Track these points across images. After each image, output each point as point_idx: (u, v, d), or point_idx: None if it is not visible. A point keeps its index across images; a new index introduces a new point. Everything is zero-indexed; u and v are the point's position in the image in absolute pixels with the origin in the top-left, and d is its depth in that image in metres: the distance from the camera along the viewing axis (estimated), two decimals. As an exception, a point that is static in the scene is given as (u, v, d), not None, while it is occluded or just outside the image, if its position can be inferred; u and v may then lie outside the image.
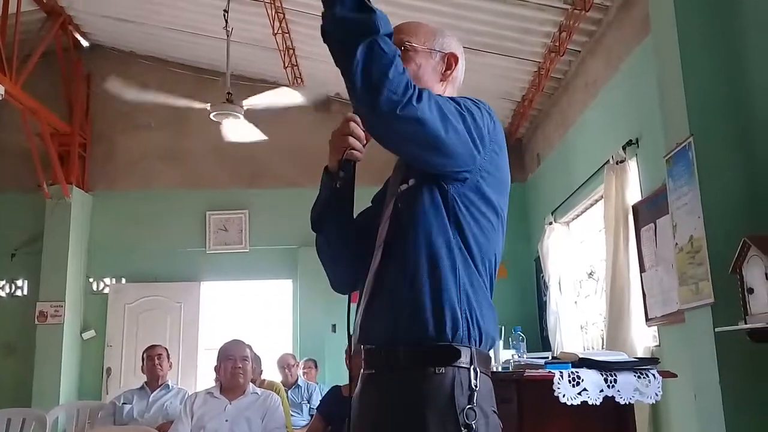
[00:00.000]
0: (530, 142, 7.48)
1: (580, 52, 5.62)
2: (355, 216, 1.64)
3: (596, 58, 5.37)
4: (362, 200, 1.66)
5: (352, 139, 1.48)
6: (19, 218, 7.43)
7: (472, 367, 1.34)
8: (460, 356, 1.34)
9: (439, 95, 1.38)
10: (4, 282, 7.43)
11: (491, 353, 1.45)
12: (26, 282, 7.38)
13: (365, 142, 1.50)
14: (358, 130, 1.48)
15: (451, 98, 1.43)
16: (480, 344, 1.38)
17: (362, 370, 1.48)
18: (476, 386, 1.33)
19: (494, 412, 1.38)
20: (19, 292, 7.41)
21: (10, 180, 7.41)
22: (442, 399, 1.31)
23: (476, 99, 1.49)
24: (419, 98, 1.28)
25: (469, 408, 1.30)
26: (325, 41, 1.32)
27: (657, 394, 2.45)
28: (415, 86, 1.29)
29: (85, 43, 7.67)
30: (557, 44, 5.44)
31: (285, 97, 5.96)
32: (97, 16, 7.27)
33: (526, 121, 7.20)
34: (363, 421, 1.42)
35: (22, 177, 7.32)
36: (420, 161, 1.41)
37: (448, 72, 1.59)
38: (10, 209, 7.43)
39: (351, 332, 1.49)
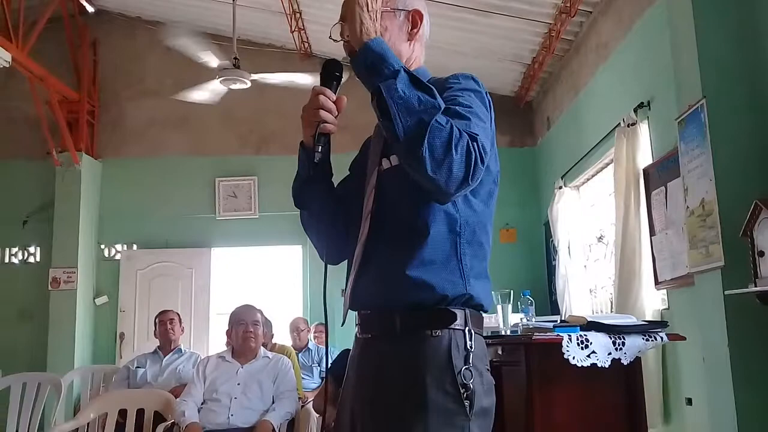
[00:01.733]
0: (540, 105, 7.41)
1: (591, 12, 5.52)
2: (335, 186, 1.63)
3: (608, 19, 5.28)
4: (340, 167, 1.64)
5: (323, 113, 1.45)
6: (30, 186, 7.46)
7: (467, 328, 1.37)
8: (455, 319, 1.36)
9: (474, 119, 1.34)
10: (16, 249, 7.49)
11: (483, 314, 1.47)
12: (38, 249, 7.45)
13: (337, 113, 1.47)
14: (329, 102, 1.45)
15: (462, 91, 1.41)
16: (475, 307, 1.41)
17: (357, 334, 1.50)
18: (471, 347, 1.36)
19: (488, 369, 1.41)
20: (31, 259, 7.47)
21: (20, 148, 7.42)
22: (440, 361, 1.34)
23: (470, 77, 1.49)
24: (481, 171, 1.29)
25: (465, 368, 1.34)
26: (380, 117, 1.33)
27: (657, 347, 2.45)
28: (479, 159, 1.28)
29: (90, 9, 7.60)
30: (568, 5, 5.35)
31: (299, 79, 5.94)
32: (102, -20, 7.21)
33: (536, 84, 7.12)
34: (362, 384, 1.44)
35: (32, 145, 7.33)
36: None
37: (415, 30, 1.55)
38: (20, 177, 7.47)
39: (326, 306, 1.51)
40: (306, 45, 7.34)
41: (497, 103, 6.51)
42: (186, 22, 7.41)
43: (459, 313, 1.37)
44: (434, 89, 1.30)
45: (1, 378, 4.69)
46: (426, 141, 1.22)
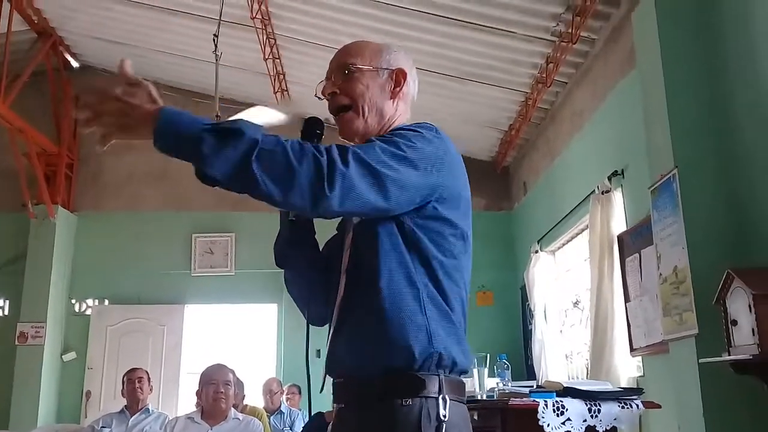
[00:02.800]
0: (517, 170, 7.54)
1: (567, 83, 5.70)
2: (322, 246, 1.61)
3: (583, 89, 5.44)
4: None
5: None
6: (3, 237, 7.36)
7: (441, 396, 1.31)
8: (426, 386, 1.31)
9: (379, 143, 1.32)
10: (-16, 301, 7.33)
11: (463, 379, 1.42)
12: (7, 302, 7.28)
13: None
14: None
15: (395, 134, 1.38)
16: (450, 372, 1.36)
17: (334, 404, 1.46)
18: (444, 416, 1.30)
19: None
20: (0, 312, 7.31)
21: (-5, 198, 7.36)
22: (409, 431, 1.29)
23: (422, 124, 1.46)
24: (343, 176, 1.22)
25: None
26: (215, 185, 1.23)
27: (635, 421, 2.45)
28: (330, 162, 1.22)
29: (75, 64, 7.68)
30: (544, 75, 5.51)
31: (265, 115, 5.97)
32: (87, 37, 7.29)
33: (513, 150, 7.26)
34: None
35: (7, 196, 7.27)
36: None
37: (398, 89, 1.55)
38: (-7, 228, 7.37)
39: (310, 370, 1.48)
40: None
41: (475, 167, 6.59)
42: (168, 80, 7.50)
43: (430, 379, 1.31)
44: (239, 124, 1.23)
45: (-40, 436, 4.52)
46: (256, 170, 1.18)
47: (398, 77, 1.56)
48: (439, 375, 1.33)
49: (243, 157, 1.18)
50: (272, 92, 6.99)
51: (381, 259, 1.36)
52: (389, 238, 1.37)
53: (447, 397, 1.32)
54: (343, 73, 1.51)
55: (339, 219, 1.56)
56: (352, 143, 1.43)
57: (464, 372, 1.41)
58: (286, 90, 7.05)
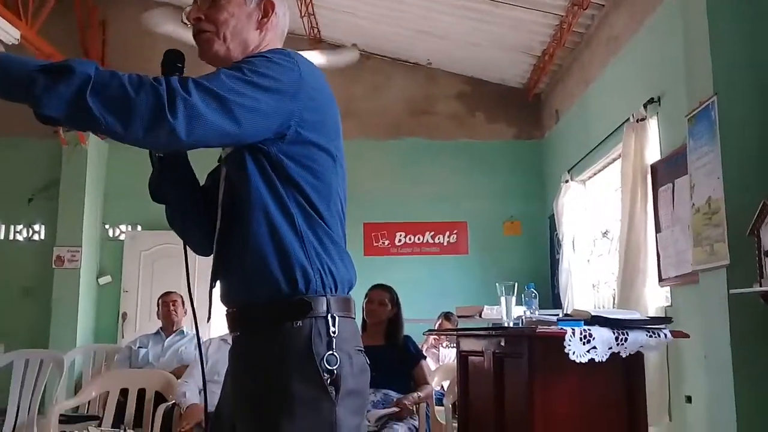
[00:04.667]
0: (549, 98, 7.38)
1: (603, 5, 5.48)
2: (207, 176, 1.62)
3: (620, 12, 5.24)
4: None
5: None
6: (37, 164, 7.46)
7: (329, 314, 1.36)
8: (313, 307, 1.36)
9: (223, 70, 1.30)
10: (21, 226, 7.50)
11: (350, 295, 1.46)
12: (43, 227, 7.45)
13: None
14: None
15: (243, 61, 1.36)
16: (336, 290, 1.40)
17: (229, 333, 1.50)
18: (334, 332, 1.36)
19: (359, 351, 1.43)
20: (36, 237, 7.48)
21: (27, 125, 7.24)
22: (302, 351, 1.34)
23: (274, 49, 1.44)
24: (185, 101, 1.20)
25: (329, 354, 1.34)
26: (57, 125, 1.24)
27: (660, 351, 2.46)
28: (170, 89, 1.20)
29: (101, -11, 7.58)
30: (581, -3, 5.31)
31: (334, 60, 5.91)
32: (112, -41, 7.17)
33: (546, 77, 7.08)
34: (235, 380, 1.46)
35: (39, 123, 7.32)
36: (229, 146, 1.39)
37: (265, 19, 1.52)
38: (26, 154, 7.46)
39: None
40: (315, 30, 7.30)
41: (505, 94, 6.47)
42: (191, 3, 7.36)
43: (317, 300, 1.36)
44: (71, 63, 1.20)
45: (4, 354, 4.71)
46: (92, 105, 1.16)
47: (266, 8, 1.53)
48: (326, 295, 1.37)
49: (77, 92, 1.16)
50: (299, 16, 6.86)
51: (252, 190, 1.37)
52: (258, 169, 1.37)
53: (335, 314, 1.37)
54: (210, 0, 1.49)
55: (220, 150, 1.53)
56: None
57: (351, 287, 1.46)
58: (313, 14, 6.91)
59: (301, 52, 1.49)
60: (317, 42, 7.46)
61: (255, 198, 1.37)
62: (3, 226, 7.49)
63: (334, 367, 1.34)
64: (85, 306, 7.18)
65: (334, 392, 1.33)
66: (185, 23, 1.45)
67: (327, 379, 1.33)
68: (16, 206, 7.40)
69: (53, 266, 7.08)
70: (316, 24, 7.17)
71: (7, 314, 7.07)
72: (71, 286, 7.04)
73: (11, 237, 7.49)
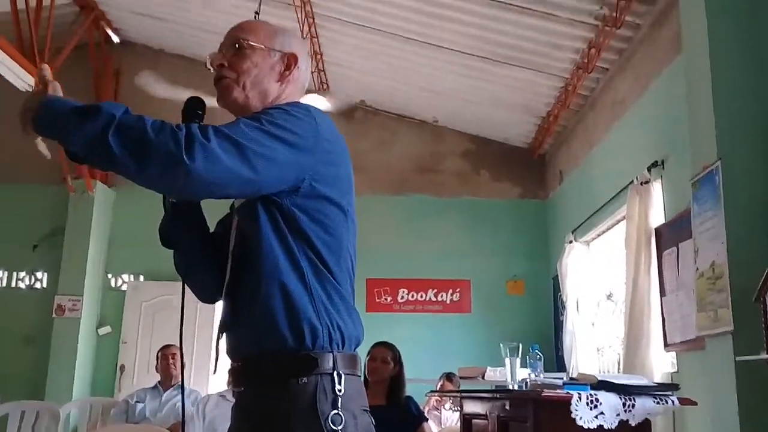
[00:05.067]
0: (553, 158, 7.44)
1: (608, 69, 5.58)
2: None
3: (625, 76, 5.33)
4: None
5: None
6: (42, 210, 7.49)
7: (336, 372, 1.35)
8: (319, 364, 1.34)
9: (243, 119, 1.33)
10: (24, 273, 7.49)
11: (357, 352, 1.45)
12: (46, 275, 7.44)
13: None
14: None
15: (262, 112, 1.38)
16: (343, 347, 1.38)
17: (232, 388, 1.50)
18: (340, 390, 1.34)
19: (365, 410, 1.40)
20: (38, 285, 7.46)
21: (35, 172, 7.42)
22: (306, 408, 1.32)
23: (294, 103, 1.47)
24: (203, 146, 1.22)
25: (334, 413, 1.32)
26: (83, 163, 1.31)
27: (667, 417, 2.41)
28: (189, 134, 1.22)
29: (116, 39, 7.74)
30: (586, 61, 5.41)
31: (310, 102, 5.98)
32: (128, 12, 7.35)
33: (550, 138, 7.16)
34: None
35: (47, 169, 7.37)
36: (246, 197, 1.39)
37: (287, 72, 1.55)
38: (33, 201, 7.50)
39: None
40: (324, 86, 7.43)
41: (510, 153, 6.51)
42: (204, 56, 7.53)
43: (324, 356, 1.35)
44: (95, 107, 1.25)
45: (1, 405, 4.64)
46: (112, 144, 1.20)
47: (289, 61, 1.56)
48: (332, 351, 1.36)
49: (100, 131, 1.21)
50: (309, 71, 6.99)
51: (263, 241, 1.37)
52: (270, 220, 1.37)
53: (341, 372, 1.36)
54: (234, 48, 1.52)
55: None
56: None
57: (358, 343, 1.44)
58: (323, 70, 7.04)
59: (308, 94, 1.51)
60: (326, 98, 7.60)
61: (266, 250, 1.37)
62: (6, 273, 7.48)
63: (339, 427, 1.31)
64: (84, 356, 7.10)
65: None
66: (208, 68, 1.47)
67: None
68: (21, 253, 7.40)
69: (54, 315, 7.04)
70: (326, 80, 7.30)
71: (7, 362, 6.99)
72: (71, 335, 6.98)
73: (13, 284, 7.47)
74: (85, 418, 5.27)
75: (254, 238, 1.39)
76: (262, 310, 1.36)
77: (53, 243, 7.34)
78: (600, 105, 5.92)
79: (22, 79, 5.66)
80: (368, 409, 1.42)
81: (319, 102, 5.98)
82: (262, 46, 1.53)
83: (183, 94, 1.53)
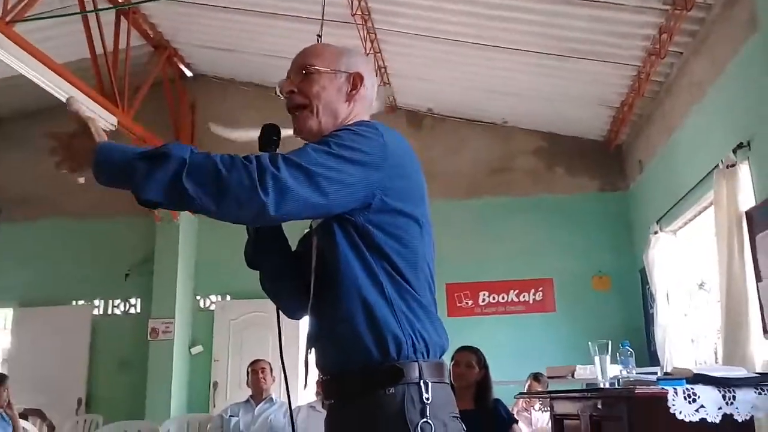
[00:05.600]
0: (631, 148, 7.22)
1: (682, 53, 5.38)
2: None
3: (700, 58, 5.13)
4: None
5: None
6: (132, 240, 7.86)
7: (422, 380, 1.35)
8: (405, 374, 1.35)
9: (311, 145, 1.36)
10: (119, 301, 7.86)
11: (443, 360, 1.45)
12: (139, 300, 7.78)
13: None
14: None
15: (329, 135, 1.41)
16: (428, 356, 1.39)
17: (323, 399, 1.52)
18: (428, 399, 1.34)
19: (454, 417, 1.39)
20: (132, 310, 7.82)
21: (124, 205, 7.73)
22: (395, 419, 1.33)
23: (361, 122, 1.48)
24: (274, 177, 1.25)
25: (423, 422, 1.32)
26: (156, 207, 1.31)
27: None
28: (260, 167, 1.26)
29: (189, 74, 8.06)
30: (657, 46, 5.24)
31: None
32: (199, 47, 7.64)
33: (626, 127, 6.95)
34: None
35: (134, 202, 7.72)
36: (320, 218, 1.43)
37: (354, 92, 1.57)
38: (123, 232, 7.88)
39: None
40: (391, 98, 7.48)
41: (586, 147, 6.40)
42: (275, 83, 7.72)
43: (410, 366, 1.36)
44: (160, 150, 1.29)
45: (103, 427, 4.87)
46: (188, 186, 1.23)
47: (355, 81, 1.58)
48: (418, 360, 1.37)
49: (173, 176, 1.24)
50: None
51: (341, 258, 1.40)
52: (346, 237, 1.40)
53: (428, 380, 1.36)
54: (302, 74, 1.55)
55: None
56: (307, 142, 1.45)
57: (443, 351, 1.45)
58: (388, 83, 7.09)
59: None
60: (393, 110, 7.64)
61: (344, 267, 1.40)
62: (102, 302, 7.87)
63: None
64: (179, 376, 7.37)
65: None
66: (278, 95, 1.53)
67: None
68: (114, 282, 7.76)
69: (148, 338, 7.34)
70: (392, 92, 7.35)
71: (106, 386, 7.36)
72: (165, 357, 7.27)
73: (109, 312, 7.85)
74: (184, 435, 5.46)
75: (332, 255, 1.42)
76: (345, 325, 1.39)
77: (144, 270, 7.68)
78: (676, 90, 5.72)
79: (106, 120, 5.96)
80: (458, 415, 1.42)
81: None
82: (328, 69, 1.56)
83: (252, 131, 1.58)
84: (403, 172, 1.44)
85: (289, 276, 1.60)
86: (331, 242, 1.42)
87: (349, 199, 1.36)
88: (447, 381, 1.44)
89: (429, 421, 1.32)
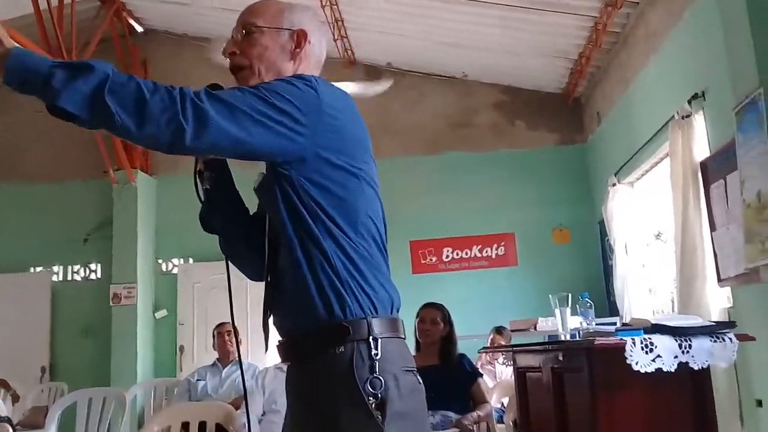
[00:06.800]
0: (589, 101, 7.26)
1: (638, 3, 5.39)
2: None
3: (656, 8, 5.14)
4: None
5: None
6: (88, 204, 7.68)
7: (371, 337, 1.35)
8: (352, 331, 1.35)
9: (240, 87, 1.35)
10: (78, 266, 7.72)
11: (396, 313, 1.45)
12: (99, 265, 7.66)
13: None
14: None
15: (261, 84, 1.38)
16: (377, 312, 1.38)
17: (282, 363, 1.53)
18: (376, 355, 1.34)
19: (408, 371, 1.40)
20: (93, 276, 7.69)
21: (78, 168, 7.64)
22: (345, 376, 1.33)
23: (296, 74, 1.45)
24: (195, 105, 1.24)
25: (373, 377, 1.33)
26: (68, 120, 1.23)
27: (732, 357, 2.36)
28: (182, 94, 1.24)
29: (139, 29, 7.79)
30: (614, -3, 5.23)
31: (343, 86, 5.99)
32: (148, 0, 7.37)
33: (584, 80, 6.98)
34: (291, 409, 1.48)
35: (90, 164, 7.53)
36: (243, 158, 1.39)
37: (298, 50, 1.53)
38: (79, 196, 7.69)
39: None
40: (349, 52, 7.36)
41: (544, 100, 6.41)
42: (228, 36, 7.52)
43: (357, 323, 1.35)
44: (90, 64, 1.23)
45: (68, 394, 4.82)
46: (109, 102, 1.19)
47: (299, 38, 1.54)
48: (366, 317, 1.36)
49: (96, 89, 1.20)
50: (332, 40, 6.93)
51: (281, 218, 1.39)
52: (284, 197, 1.38)
53: (378, 336, 1.36)
54: (244, 33, 1.52)
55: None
56: None
57: (394, 306, 1.44)
58: (346, 36, 6.97)
59: (336, 83, 1.49)
60: (351, 64, 7.53)
61: (285, 226, 1.39)
62: (61, 268, 7.72)
63: (379, 391, 1.32)
64: (144, 341, 7.32)
65: (380, 416, 1.31)
66: (223, 56, 1.48)
67: (372, 404, 1.31)
68: (73, 247, 7.62)
69: (111, 304, 7.25)
70: (350, 46, 7.23)
71: (69, 353, 7.28)
72: (129, 322, 7.19)
73: (69, 277, 7.71)
74: (150, 400, 5.45)
75: (274, 216, 1.42)
76: (292, 286, 1.39)
77: (103, 234, 7.54)
78: (633, 41, 5.74)
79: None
80: (413, 368, 1.42)
81: (351, 86, 5.96)
82: (270, 27, 1.52)
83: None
84: (338, 124, 1.41)
85: (247, 238, 1.58)
86: (271, 203, 1.41)
87: (276, 145, 1.33)
88: (402, 336, 1.45)
89: (378, 376, 1.33)
